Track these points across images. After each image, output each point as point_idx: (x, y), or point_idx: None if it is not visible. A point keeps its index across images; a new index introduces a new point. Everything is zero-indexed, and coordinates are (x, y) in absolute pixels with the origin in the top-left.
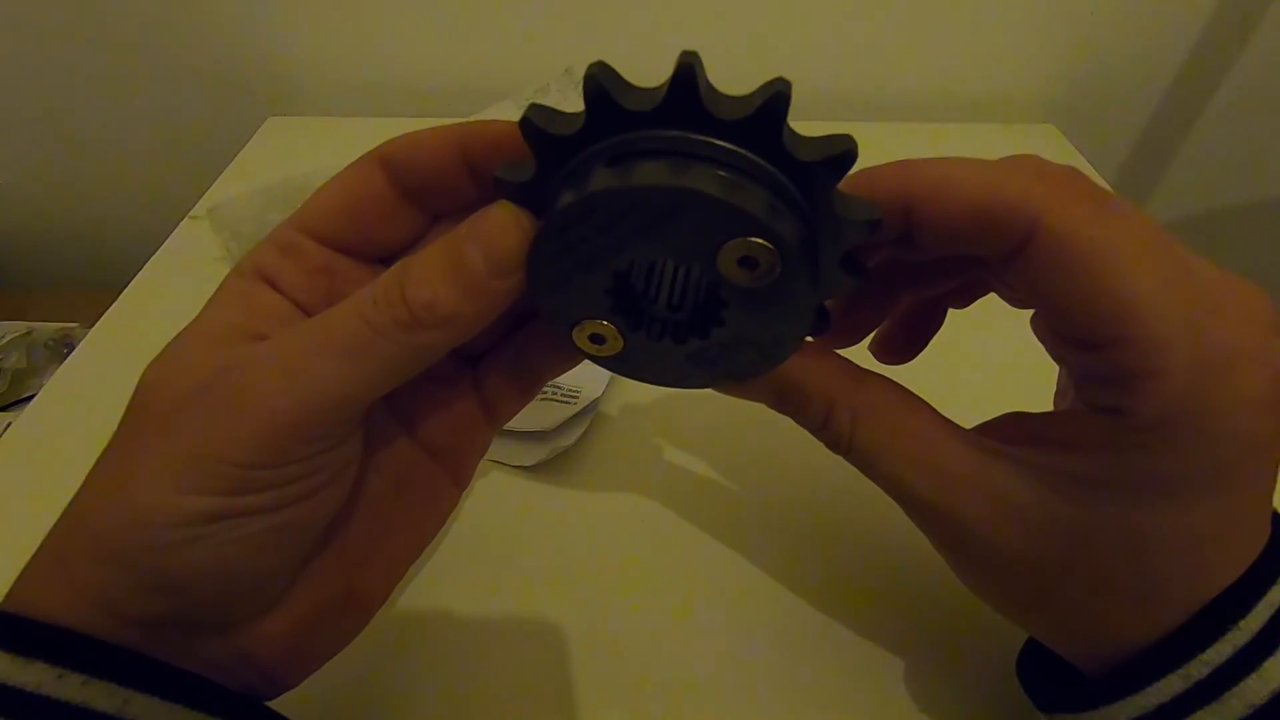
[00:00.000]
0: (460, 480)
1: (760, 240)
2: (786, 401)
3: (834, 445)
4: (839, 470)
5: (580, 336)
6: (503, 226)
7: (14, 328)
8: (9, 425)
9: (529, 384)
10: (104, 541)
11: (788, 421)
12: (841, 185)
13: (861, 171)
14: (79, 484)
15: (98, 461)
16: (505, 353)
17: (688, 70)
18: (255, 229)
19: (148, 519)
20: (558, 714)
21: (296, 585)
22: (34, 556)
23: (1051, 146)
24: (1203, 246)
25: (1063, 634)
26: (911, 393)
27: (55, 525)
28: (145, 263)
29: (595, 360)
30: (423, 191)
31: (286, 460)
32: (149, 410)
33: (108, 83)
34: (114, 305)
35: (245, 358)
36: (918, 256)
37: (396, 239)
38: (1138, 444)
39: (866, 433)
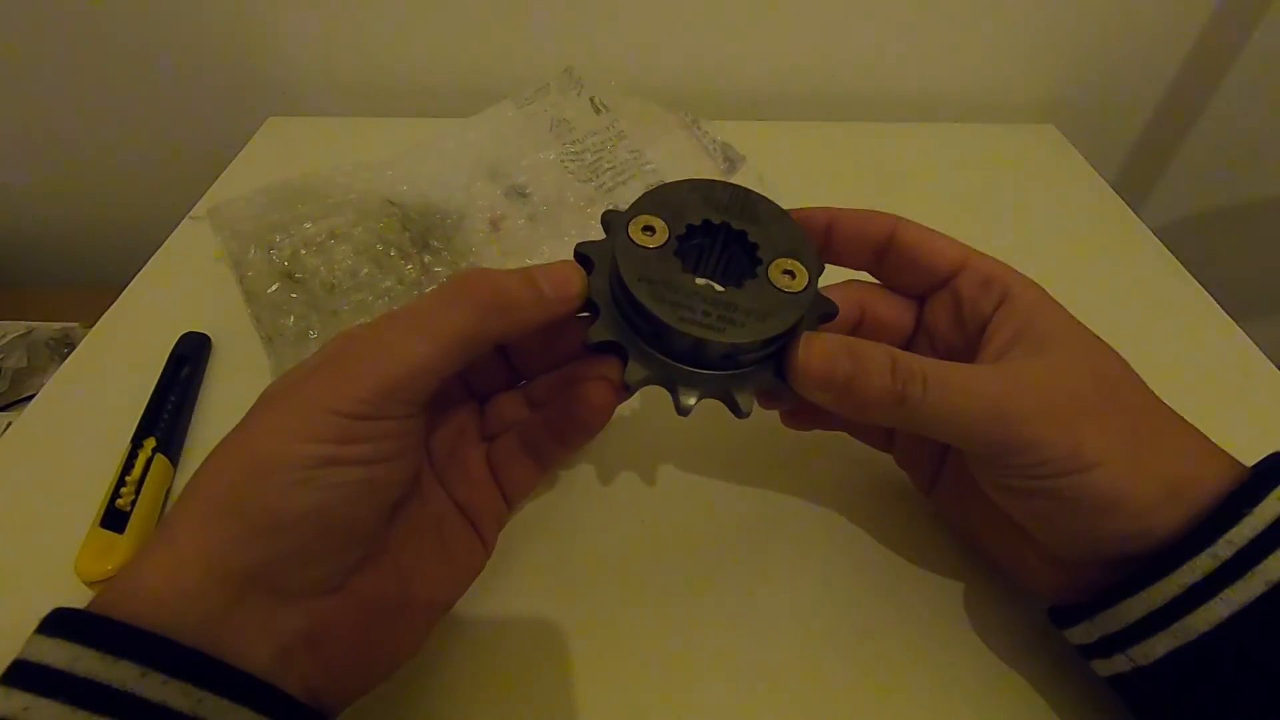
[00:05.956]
0: (486, 543)
1: (800, 263)
2: (858, 364)
3: (901, 397)
4: (837, 468)
5: (635, 226)
6: (567, 273)
7: (14, 328)
8: (9, 425)
9: (535, 466)
10: (218, 499)
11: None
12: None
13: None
14: (79, 483)
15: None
16: (512, 437)
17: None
18: (255, 229)
19: (268, 466)
20: (557, 712)
21: (360, 573)
22: (146, 542)
23: (1051, 146)
24: (1203, 246)
25: (1096, 523)
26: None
27: (165, 513)
28: (145, 263)
29: (643, 251)
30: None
31: (382, 415)
32: (268, 396)
33: (108, 83)
34: (114, 305)
35: (354, 337)
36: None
37: None
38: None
39: (937, 384)
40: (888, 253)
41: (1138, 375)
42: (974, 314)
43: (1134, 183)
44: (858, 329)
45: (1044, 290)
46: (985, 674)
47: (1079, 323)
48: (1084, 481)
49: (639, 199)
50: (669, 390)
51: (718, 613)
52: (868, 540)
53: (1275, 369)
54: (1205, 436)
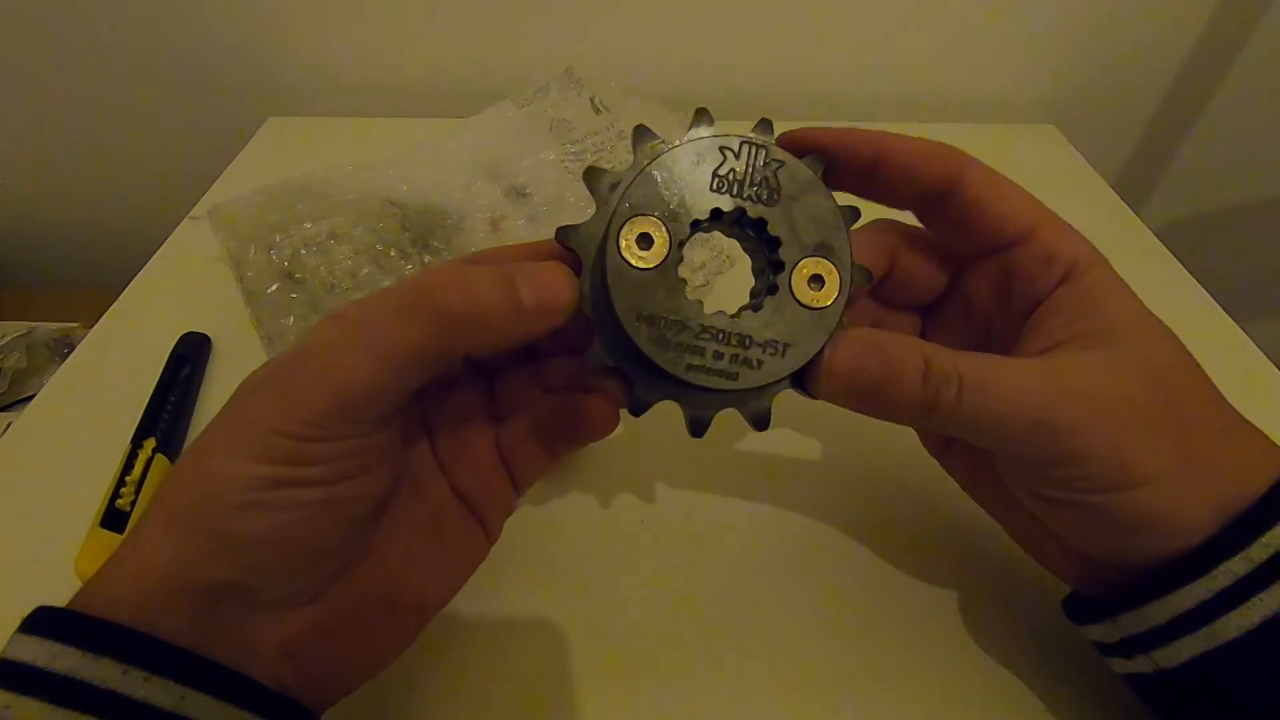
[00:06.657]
0: (490, 533)
1: (831, 263)
2: (890, 368)
3: (933, 405)
4: (838, 474)
5: (628, 235)
6: (554, 280)
7: (14, 328)
8: (9, 425)
9: (544, 453)
10: (179, 513)
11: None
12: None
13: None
14: (79, 483)
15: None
16: (522, 422)
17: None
18: (255, 229)
19: (220, 485)
20: (556, 712)
21: (339, 581)
22: (120, 546)
23: (1051, 146)
24: (1203, 246)
25: (1134, 539)
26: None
27: (138, 521)
28: (145, 263)
29: (637, 272)
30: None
31: (332, 436)
32: (233, 401)
33: (108, 83)
34: (114, 305)
35: (303, 348)
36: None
37: None
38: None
39: (974, 388)
40: (944, 202)
41: (1201, 371)
42: (1026, 291)
43: (1134, 183)
44: (883, 284)
45: (1110, 267)
46: (986, 679)
47: (1143, 308)
48: (1129, 499)
49: (632, 185)
50: (681, 408)
51: (718, 616)
52: (867, 547)
53: (1275, 369)
54: (1267, 440)
